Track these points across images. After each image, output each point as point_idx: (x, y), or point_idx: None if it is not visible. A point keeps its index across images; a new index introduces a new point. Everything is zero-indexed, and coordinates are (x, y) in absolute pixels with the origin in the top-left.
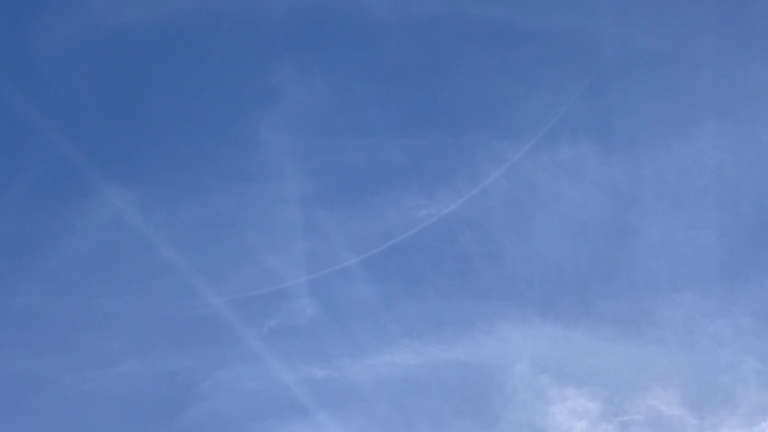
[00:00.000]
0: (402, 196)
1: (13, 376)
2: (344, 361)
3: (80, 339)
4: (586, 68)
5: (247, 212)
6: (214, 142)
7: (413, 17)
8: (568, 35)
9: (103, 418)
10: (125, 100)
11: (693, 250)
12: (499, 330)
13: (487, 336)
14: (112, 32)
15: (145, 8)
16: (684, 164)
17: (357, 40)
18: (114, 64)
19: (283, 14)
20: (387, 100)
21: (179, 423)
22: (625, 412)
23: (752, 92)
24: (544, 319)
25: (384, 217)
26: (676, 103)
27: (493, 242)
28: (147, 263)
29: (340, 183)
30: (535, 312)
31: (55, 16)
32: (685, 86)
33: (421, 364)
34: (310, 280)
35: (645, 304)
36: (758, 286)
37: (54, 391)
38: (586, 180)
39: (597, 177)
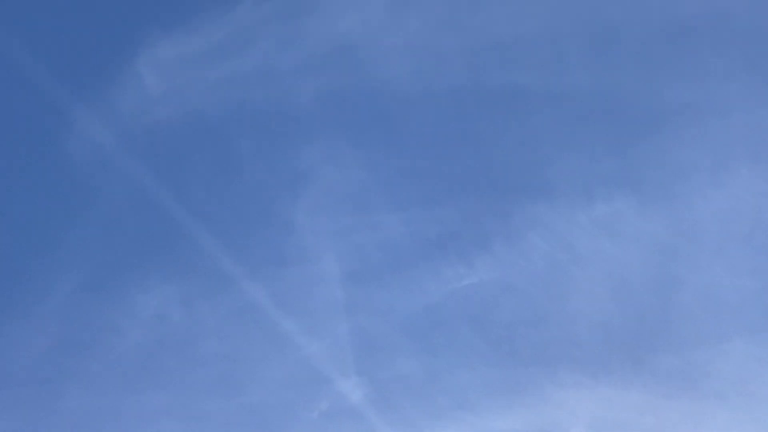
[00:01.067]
0: (441, 267)
1: None
2: None
3: None
4: (614, 124)
5: (287, 296)
6: (249, 229)
7: (437, 89)
8: (592, 93)
9: None
10: (158, 197)
11: (739, 297)
12: (551, 395)
13: (540, 402)
14: (143, 130)
15: (174, 103)
16: (722, 212)
17: (383, 116)
18: (145, 162)
19: (308, 98)
20: (418, 173)
21: None
22: None
23: None
24: (596, 380)
25: (425, 289)
26: (708, 151)
27: (537, 306)
28: (192, 356)
29: (379, 259)
30: (587, 374)
31: (88, 119)
32: (716, 134)
33: None
34: (356, 359)
35: (697, 357)
36: None
37: None
38: (624, 235)
39: (635, 232)
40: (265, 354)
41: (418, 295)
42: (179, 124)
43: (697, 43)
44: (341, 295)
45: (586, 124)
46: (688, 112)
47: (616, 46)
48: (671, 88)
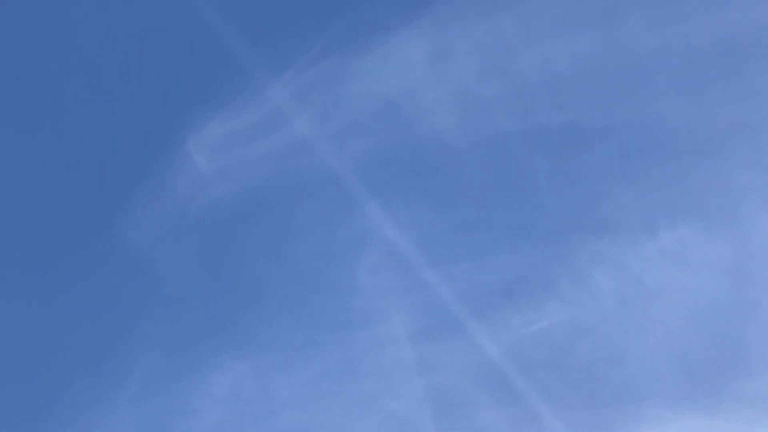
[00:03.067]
0: (509, 315)
1: None
2: None
3: None
4: (668, 152)
5: (360, 359)
6: (315, 295)
7: (485, 137)
8: (642, 124)
9: None
10: (223, 274)
11: None
12: None
13: None
14: (199, 210)
15: (227, 180)
16: None
17: (434, 170)
18: (206, 240)
19: (356, 160)
20: (476, 222)
21: None
22: None
23: None
24: (681, 413)
25: (498, 338)
26: (765, 169)
27: (612, 344)
28: (270, 430)
29: (447, 313)
30: (672, 408)
31: (145, 204)
32: None
33: None
34: (435, 416)
35: None
36: None
37: None
38: (692, 263)
39: (703, 258)
40: (342, 420)
41: (491, 345)
42: (233, 200)
43: (741, 60)
44: (412, 353)
45: (640, 155)
46: (741, 132)
47: (659, 73)
48: (721, 109)
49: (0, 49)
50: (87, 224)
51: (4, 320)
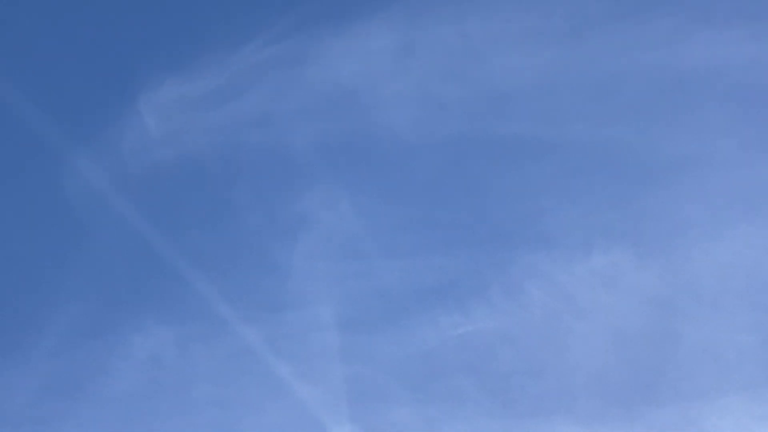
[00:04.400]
0: (438, 315)
1: None
2: None
3: None
4: (612, 176)
5: (283, 341)
6: (247, 273)
7: (437, 137)
8: (592, 145)
9: None
10: (157, 237)
11: (737, 353)
12: None
13: None
14: (142, 171)
15: (174, 145)
16: (720, 267)
17: (383, 163)
18: (145, 202)
19: (307, 143)
20: (417, 221)
21: None
22: None
23: None
24: None
25: (421, 337)
26: (707, 205)
27: (534, 356)
28: (185, 400)
29: (376, 306)
30: (583, 426)
31: (86, 160)
32: (715, 188)
33: None
34: (350, 406)
35: (693, 412)
36: None
37: None
38: (622, 288)
39: (633, 284)
40: (259, 399)
41: (415, 343)
42: (178, 166)
43: (696, 96)
44: (337, 341)
45: (585, 175)
46: (687, 165)
47: (616, 97)
48: (670, 140)
49: None
50: (23, 174)
51: None
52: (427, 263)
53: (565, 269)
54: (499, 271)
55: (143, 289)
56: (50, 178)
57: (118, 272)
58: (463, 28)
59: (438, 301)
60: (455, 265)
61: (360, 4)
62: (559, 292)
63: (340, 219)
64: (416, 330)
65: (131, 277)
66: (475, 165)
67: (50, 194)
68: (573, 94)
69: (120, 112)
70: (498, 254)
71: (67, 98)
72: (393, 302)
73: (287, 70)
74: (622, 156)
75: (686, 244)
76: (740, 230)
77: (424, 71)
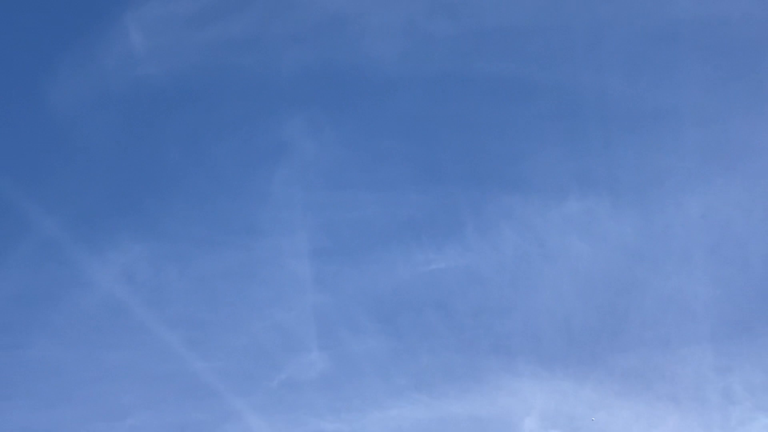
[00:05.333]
0: (412, 250)
1: (22, 429)
2: (354, 414)
3: (90, 392)
4: (595, 124)
5: (257, 266)
6: (225, 196)
7: (424, 73)
8: (577, 91)
9: None
10: (138, 154)
11: (703, 305)
12: (508, 384)
13: (497, 390)
14: (126, 87)
15: (159, 62)
16: (693, 220)
17: (368, 95)
18: (127, 118)
19: (294, 70)
20: (398, 155)
21: None
22: None
23: (760, 148)
24: (553, 373)
25: (394, 271)
26: (684, 158)
27: (502, 296)
28: (158, 317)
29: (351, 237)
30: (545, 367)
31: (70, 72)
32: (694, 142)
33: (431, 418)
34: (319, 333)
35: (655, 360)
36: None
37: None
38: (595, 235)
39: (606, 232)
40: (229, 321)
41: (387, 276)
42: (162, 83)
43: (682, 49)
44: (309, 269)
45: (567, 120)
46: (669, 117)
47: (605, 45)
48: (654, 92)
49: None
50: (8, 81)
51: None
52: (403, 198)
53: (539, 213)
54: (475, 210)
55: (120, 205)
56: (33, 85)
57: (96, 187)
58: None
59: (413, 236)
60: (432, 202)
61: None
62: (533, 235)
63: (321, 148)
64: (389, 263)
65: (109, 193)
66: (458, 103)
67: (33, 101)
68: (562, 37)
69: (106, 26)
70: (475, 194)
71: (55, 6)
72: (368, 235)
73: None
74: (605, 103)
75: (661, 195)
76: (714, 185)
77: (415, 4)
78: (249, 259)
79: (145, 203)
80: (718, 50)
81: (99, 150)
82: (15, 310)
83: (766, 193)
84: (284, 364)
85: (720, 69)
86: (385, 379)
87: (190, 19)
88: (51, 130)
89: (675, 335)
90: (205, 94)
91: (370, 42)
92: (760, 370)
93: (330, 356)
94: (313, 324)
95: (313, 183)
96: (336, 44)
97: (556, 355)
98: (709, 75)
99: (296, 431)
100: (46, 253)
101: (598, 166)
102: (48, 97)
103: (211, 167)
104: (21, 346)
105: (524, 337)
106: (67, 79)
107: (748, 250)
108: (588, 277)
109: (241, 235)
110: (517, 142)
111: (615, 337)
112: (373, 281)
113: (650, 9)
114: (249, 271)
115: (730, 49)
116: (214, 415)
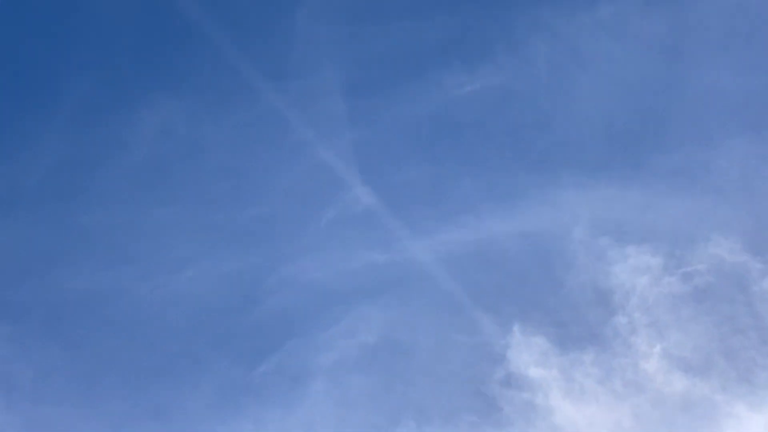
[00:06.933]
0: (444, 75)
1: (85, 291)
2: (403, 244)
3: (145, 249)
4: None
5: (292, 108)
6: (250, 40)
7: None
8: None
9: (178, 321)
10: (167, 11)
11: (743, 95)
12: (554, 198)
13: (542, 205)
14: None
15: None
16: (727, 9)
17: None
18: None
19: None
20: None
21: (251, 318)
22: (687, 263)
23: None
24: (597, 181)
25: (429, 98)
26: None
27: (540, 110)
28: (200, 170)
29: (381, 69)
30: (589, 175)
31: None
32: None
33: (479, 240)
34: (361, 168)
35: (699, 156)
36: None
37: (127, 301)
38: (628, 36)
39: (639, 32)
40: (270, 166)
41: (421, 104)
42: None
43: None
44: (345, 105)
45: None
46: None
47: None
48: None
49: None
50: None
51: None
52: (429, 24)
53: (569, 21)
54: (503, 27)
55: (152, 63)
56: None
57: (126, 46)
58: None
59: (443, 61)
60: (458, 24)
61: None
62: (564, 44)
63: None
64: (423, 91)
65: (140, 51)
66: None
67: None
68: None
69: None
70: (501, 11)
71: None
72: (398, 65)
73: None
74: None
75: None
76: None
77: None
78: (282, 102)
79: (174, 58)
80: None
81: (123, 9)
82: (56, 179)
83: None
84: (329, 202)
85: None
86: (431, 206)
87: None
88: None
89: (717, 129)
90: None
91: None
92: None
93: (374, 190)
94: (353, 160)
95: (337, 17)
96: None
97: (599, 162)
98: None
99: (349, 266)
100: (81, 120)
101: None
102: None
103: (233, 13)
104: (72, 214)
105: (565, 148)
106: None
107: None
108: (624, 80)
109: (271, 79)
110: None
111: (657, 137)
112: (408, 111)
113: None
114: (283, 114)
115: None
116: (268, 259)
